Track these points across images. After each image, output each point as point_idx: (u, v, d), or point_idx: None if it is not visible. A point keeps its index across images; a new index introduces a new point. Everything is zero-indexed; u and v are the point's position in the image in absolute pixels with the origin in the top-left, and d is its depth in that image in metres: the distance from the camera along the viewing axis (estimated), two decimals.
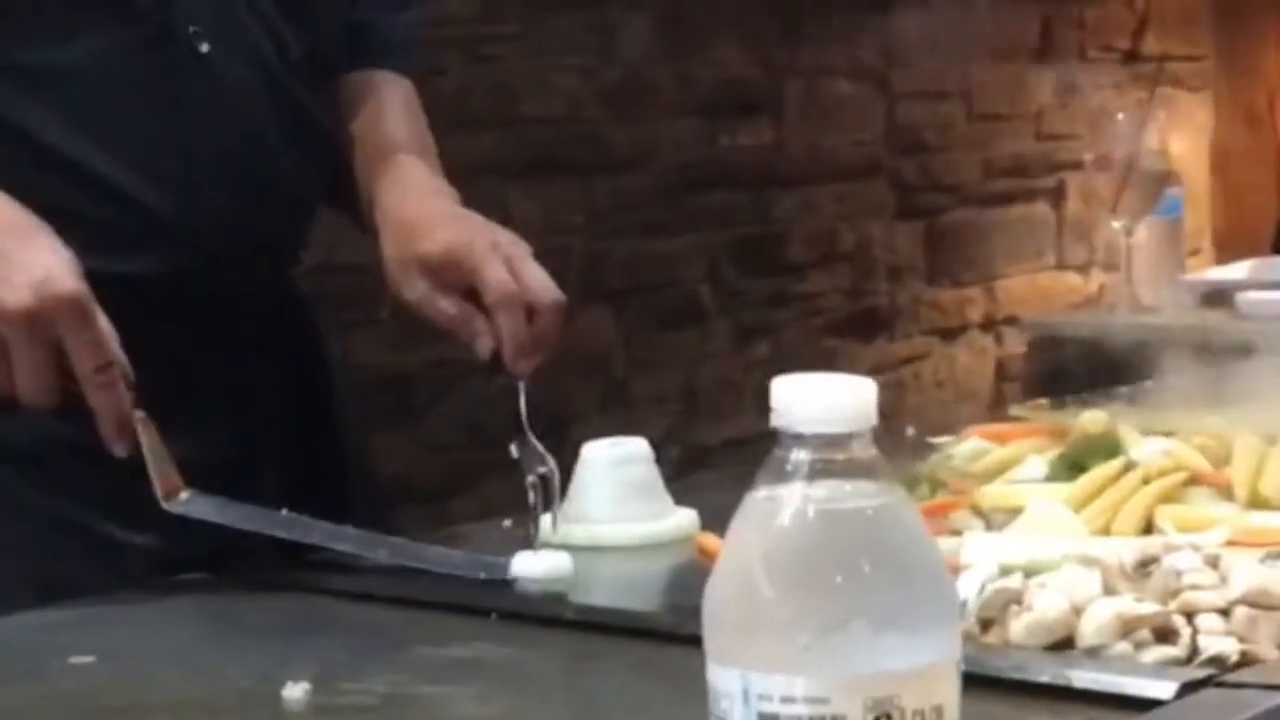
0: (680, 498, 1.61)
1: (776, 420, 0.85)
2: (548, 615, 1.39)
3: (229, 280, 1.61)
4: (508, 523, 1.64)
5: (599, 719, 1.23)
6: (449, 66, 3.17)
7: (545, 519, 1.52)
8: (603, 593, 1.50)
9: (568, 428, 2.95)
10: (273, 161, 1.63)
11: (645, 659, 1.28)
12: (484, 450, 3.07)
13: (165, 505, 1.47)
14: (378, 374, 3.13)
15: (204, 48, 1.58)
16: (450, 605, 1.41)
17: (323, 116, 1.70)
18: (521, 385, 1.55)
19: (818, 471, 0.85)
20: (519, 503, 1.63)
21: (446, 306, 1.57)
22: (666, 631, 1.27)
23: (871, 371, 3.89)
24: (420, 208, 1.63)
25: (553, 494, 1.52)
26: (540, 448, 1.52)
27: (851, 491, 0.84)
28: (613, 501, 1.59)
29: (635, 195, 3.46)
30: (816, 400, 0.85)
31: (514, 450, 1.52)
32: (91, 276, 1.43)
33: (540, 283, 1.57)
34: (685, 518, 1.59)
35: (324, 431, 1.74)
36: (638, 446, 1.62)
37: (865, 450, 0.85)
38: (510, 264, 1.56)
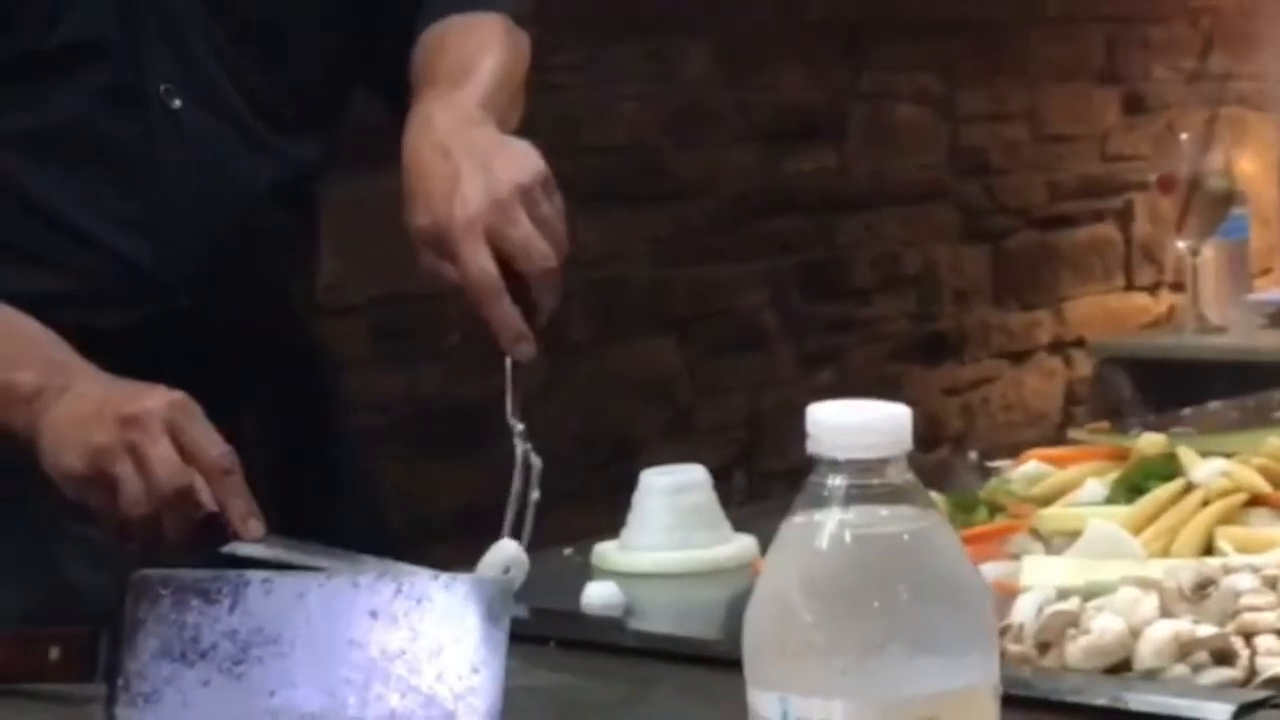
0: (741, 525, 1.61)
1: (812, 446, 0.86)
2: (606, 642, 1.39)
3: (210, 322, 1.63)
4: (568, 550, 1.64)
5: None
6: None
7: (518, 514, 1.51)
8: (661, 620, 1.50)
9: (633, 456, 2.95)
10: (248, 210, 1.65)
11: (703, 685, 1.28)
12: (548, 482, 3.08)
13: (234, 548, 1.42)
14: (442, 404, 3.14)
15: (175, 104, 1.61)
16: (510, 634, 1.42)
17: (304, 158, 1.70)
18: (509, 365, 1.44)
19: (854, 497, 0.85)
20: (582, 532, 1.64)
21: (451, 274, 1.46)
22: (724, 658, 1.27)
23: (940, 395, 3.90)
24: (417, 167, 1.50)
25: (531, 484, 1.48)
26: (524, 445, 1.47)
27: (887, 516, 0.85)
28: (670, 529, 1.59)
29: (698, 222, 3.47)
30: (851, 426, 0.85)
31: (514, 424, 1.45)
32: (74, 329, 1.48)
33: (528, 248, 1.43)
34: (744, 544, 1.59)
35: (317, 456, 1.74)
36: (695, 473, 1.62)
37: (901, 475, 0.86)
38: (495, 234, 1.43)
